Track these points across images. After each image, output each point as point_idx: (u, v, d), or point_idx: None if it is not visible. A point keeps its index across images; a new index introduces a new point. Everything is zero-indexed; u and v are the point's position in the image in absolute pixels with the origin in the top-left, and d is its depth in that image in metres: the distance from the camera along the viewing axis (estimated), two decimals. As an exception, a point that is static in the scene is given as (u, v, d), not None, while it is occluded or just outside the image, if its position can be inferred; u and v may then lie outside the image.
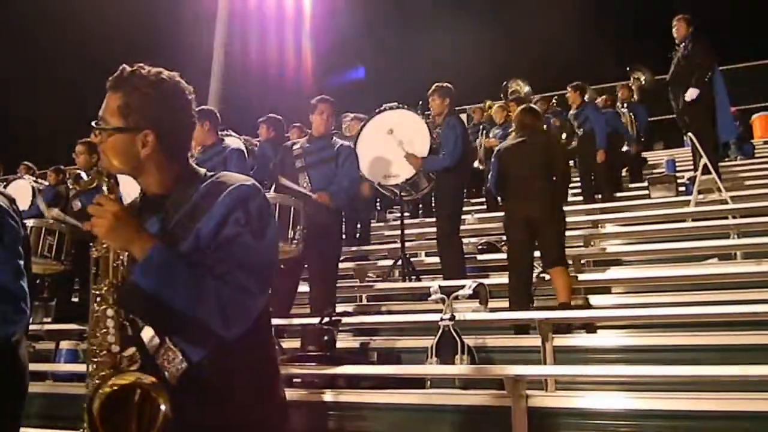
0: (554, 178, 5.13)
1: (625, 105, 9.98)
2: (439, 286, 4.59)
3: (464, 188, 6.11)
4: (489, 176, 5.66)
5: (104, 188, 1.62)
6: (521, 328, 4.81)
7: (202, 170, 1.79)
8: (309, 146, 5.41)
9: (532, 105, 6.44)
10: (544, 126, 8.95)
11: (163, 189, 1.73)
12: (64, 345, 5.50)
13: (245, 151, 5.94)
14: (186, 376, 1.60)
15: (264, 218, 1.65)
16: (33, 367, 5.26)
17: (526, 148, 5.18)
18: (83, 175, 1.71)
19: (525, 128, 5.31)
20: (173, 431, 1.56)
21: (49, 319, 6.40)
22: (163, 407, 1.50)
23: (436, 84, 6.18)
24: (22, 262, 2.25)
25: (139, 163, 1.69)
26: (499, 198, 8.93)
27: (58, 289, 6.51)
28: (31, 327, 5.78)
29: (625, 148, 9.41)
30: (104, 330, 1.57)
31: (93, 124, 1.73)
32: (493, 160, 5.44)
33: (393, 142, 6.13)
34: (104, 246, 1.61)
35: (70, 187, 6.69)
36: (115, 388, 1.50)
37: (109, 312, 1.58)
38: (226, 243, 1.58)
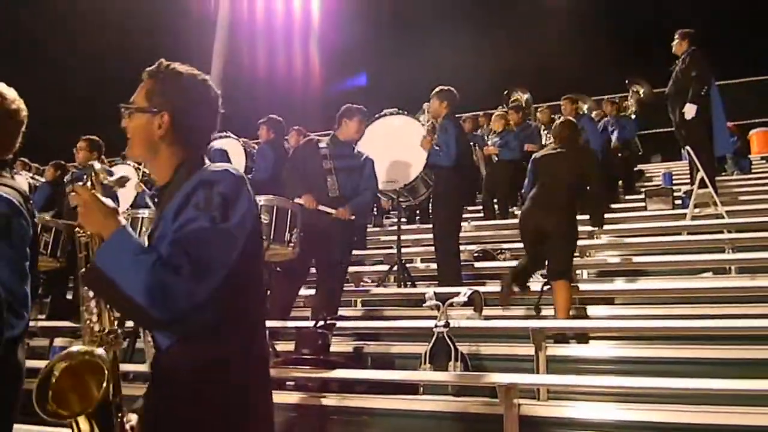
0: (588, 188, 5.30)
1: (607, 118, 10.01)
2: (434, 293, 4.60)
3: (462, 191, 6.05)
4: (524, 183, 5.66)
5: (88, 181, 1.74)
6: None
7: (207, 164, 1.82)
8: (335, 149, 5.41)
9: (570, 118, 6.43)
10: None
11: (170, 178, 1.81)
12: (58, 342, 5.49)
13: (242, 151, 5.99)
14: (157, 364, 1.67)
15: (228, 203, 1.65)
16: (27, 363, 5.27)
17: (561, 159, 5.24)
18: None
19: (563, 141, 5.37)
20: (148, 420, 1.65)
21: (43, 316, 6.37)
22: (104, 366, 1.58)
23: (438, 87, 6.20)
24: (27, 264, 2.23)
25: (154, 145, 1.80)
26: (496, 207, 9.04)
27: (52, 286, 6.49)
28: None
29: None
30: (88, 310, 1.70)
31: (121, 105, 1.86)
32: (529, 167, 5.48)
33: (392, 148, 6.16)
34: (87, 232, 1.73)
35: (67, 182, 6.69)
36: (57, 375, 1.59)
37: (91, 293, 1.70)
38: (182, 225, 1.61)
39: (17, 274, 2.18)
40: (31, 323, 6.03)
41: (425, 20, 19.30)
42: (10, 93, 2.40)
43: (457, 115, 6.45)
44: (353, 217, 5.16)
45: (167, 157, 1.81)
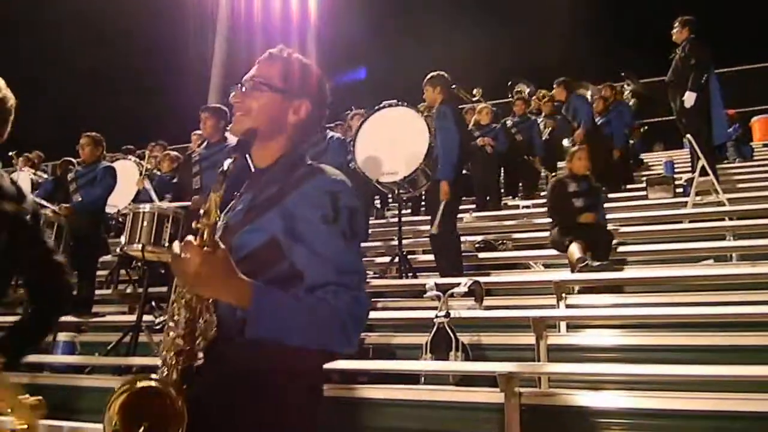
0: None
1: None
2: (435, 284, 4.61)
3: (459, 181, 5.99)
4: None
5: (199, 235, 1.42)
6: None
7: (311, 161, 1.75)
8: None
9: None
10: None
11: (267, 164, 1.72)
12: (61, 337, 5.53)
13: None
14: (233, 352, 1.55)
15: (353, 217, 1.59)
16: (30, 358, 5.31)
17: None
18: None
19: None
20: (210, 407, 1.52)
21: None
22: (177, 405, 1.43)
23: (429, 74, 6.10)
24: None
25: (278, 129, 1.71)
26: (488, 197, 9.10)
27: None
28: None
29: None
30: (176, 325, 1.53)
31: (248, 79, 1.72)
32: None
33: (392, 139, 6.14)
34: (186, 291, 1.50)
35: (70, 179, 6.72)
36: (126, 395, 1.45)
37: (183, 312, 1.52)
38: (319, 242, 1.53)
39: None
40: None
41: (424, 12, 19.22)
42: None
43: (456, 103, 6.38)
44: None
45: (278, 143, 1.72)
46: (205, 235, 1.40)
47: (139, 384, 1.45)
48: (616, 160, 9.22)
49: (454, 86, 11.44)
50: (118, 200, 7.48)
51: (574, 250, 5.50)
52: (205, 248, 1.39)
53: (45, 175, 8.57)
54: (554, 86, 9.28)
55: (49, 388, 4.91)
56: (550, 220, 6.15)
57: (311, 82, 1.76)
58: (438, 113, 5.90)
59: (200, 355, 1.52)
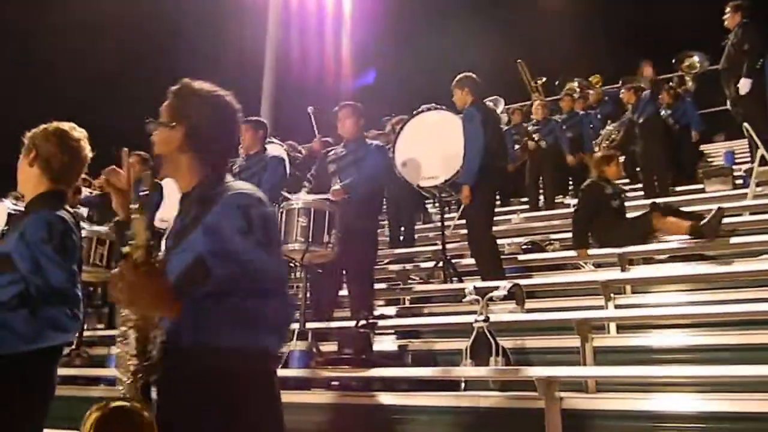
0: None
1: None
2: (474, 288, 4.53)
3: (492, 182, 5.85)
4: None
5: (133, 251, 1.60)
6: None
7: (230, 179, 1.89)
8: (343, 151, 5.52)
9: None
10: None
11: (190, 188, 1.88)
12: (114, 350, 5.67)
13: (286, 158, 6.06)
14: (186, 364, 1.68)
15: (267, 224, 1.74)
16: (88, 372, 5.49)
17: None
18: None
19: None
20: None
21: (102, 326, 6.61)
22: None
23: (457, 76, 6.04)
24: (76, 268, 2.39)
25: (174, 158, 1.88)
26: (541, 198, 8.96)
27: (110, 297, 6.70)
28: (85, 333, 6.01)
29: None
30: (127, 343, 1.69)
31: (147, 120, 1.93)
32: None
33: (432, 143, 6.11)
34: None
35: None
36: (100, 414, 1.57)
37: (129, 326, 1.67)
38: (235, 252, 1.68)
39: (67, 276, 2.32)
40: (91, 333, 6.31)
41: (436, 15, 18.94)
42: (76, 132, 2.56)
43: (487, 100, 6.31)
44: (346, 195, 5.23)
45: (187, 171, 1.88)
46: (135, 256, 1.56)
47: (111, 405, 1.58)
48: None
49: (519, 61, 11.47)
50: (170, 215, 7.66)
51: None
52: (140, 268, 1.54)
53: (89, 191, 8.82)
54: (622, 91, 9.12)
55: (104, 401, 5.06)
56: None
57: (188, 108, 1.89)
58: (466, 115, 5.83)
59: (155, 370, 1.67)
